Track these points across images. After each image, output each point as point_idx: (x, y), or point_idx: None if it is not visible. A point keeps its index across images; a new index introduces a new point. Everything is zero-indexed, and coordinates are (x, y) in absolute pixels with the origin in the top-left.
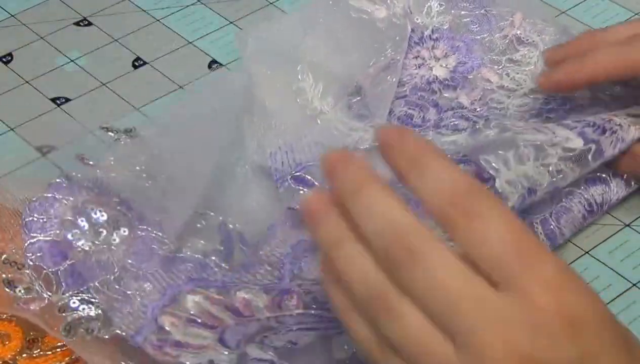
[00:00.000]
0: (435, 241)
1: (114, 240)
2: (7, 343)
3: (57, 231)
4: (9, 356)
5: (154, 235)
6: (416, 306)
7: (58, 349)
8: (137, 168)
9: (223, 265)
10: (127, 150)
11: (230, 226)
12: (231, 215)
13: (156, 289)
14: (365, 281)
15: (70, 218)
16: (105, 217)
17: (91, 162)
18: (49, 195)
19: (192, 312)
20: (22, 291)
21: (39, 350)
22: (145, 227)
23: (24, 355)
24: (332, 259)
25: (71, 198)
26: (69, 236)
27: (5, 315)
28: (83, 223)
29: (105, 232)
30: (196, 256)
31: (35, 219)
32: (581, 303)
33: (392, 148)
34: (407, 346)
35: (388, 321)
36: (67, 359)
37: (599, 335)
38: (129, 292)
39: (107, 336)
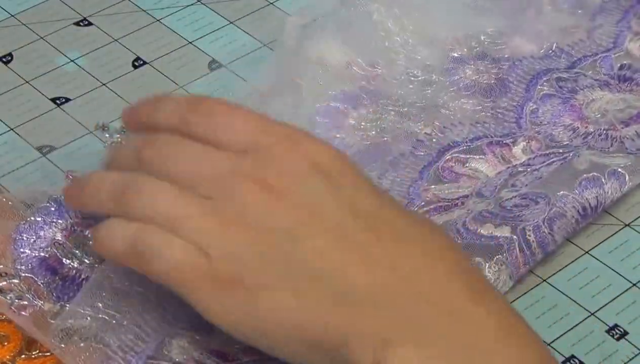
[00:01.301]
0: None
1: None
2: (5, 344)
3: (47, 249)
4: (8, 357)
5: None
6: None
7: None
8: None
9: None
10: None
11: None
12: None
13: (139, 338)
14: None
15: (59, 239)
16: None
17: None
18: (38, 219)
19: (177, 360)
20: (13, 297)
21: (37, 351)
22: None
23: (23, 356)
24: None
25: (60, 221)
26: (59, 255)
27: (4, 316)
28: (72, 244)
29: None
30: None
31: (25, 238)
32: (322, 152)
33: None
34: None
35: (138, 199)
36: None
37: (345, 176)
38: (111, 344)
39: (100, 346)
